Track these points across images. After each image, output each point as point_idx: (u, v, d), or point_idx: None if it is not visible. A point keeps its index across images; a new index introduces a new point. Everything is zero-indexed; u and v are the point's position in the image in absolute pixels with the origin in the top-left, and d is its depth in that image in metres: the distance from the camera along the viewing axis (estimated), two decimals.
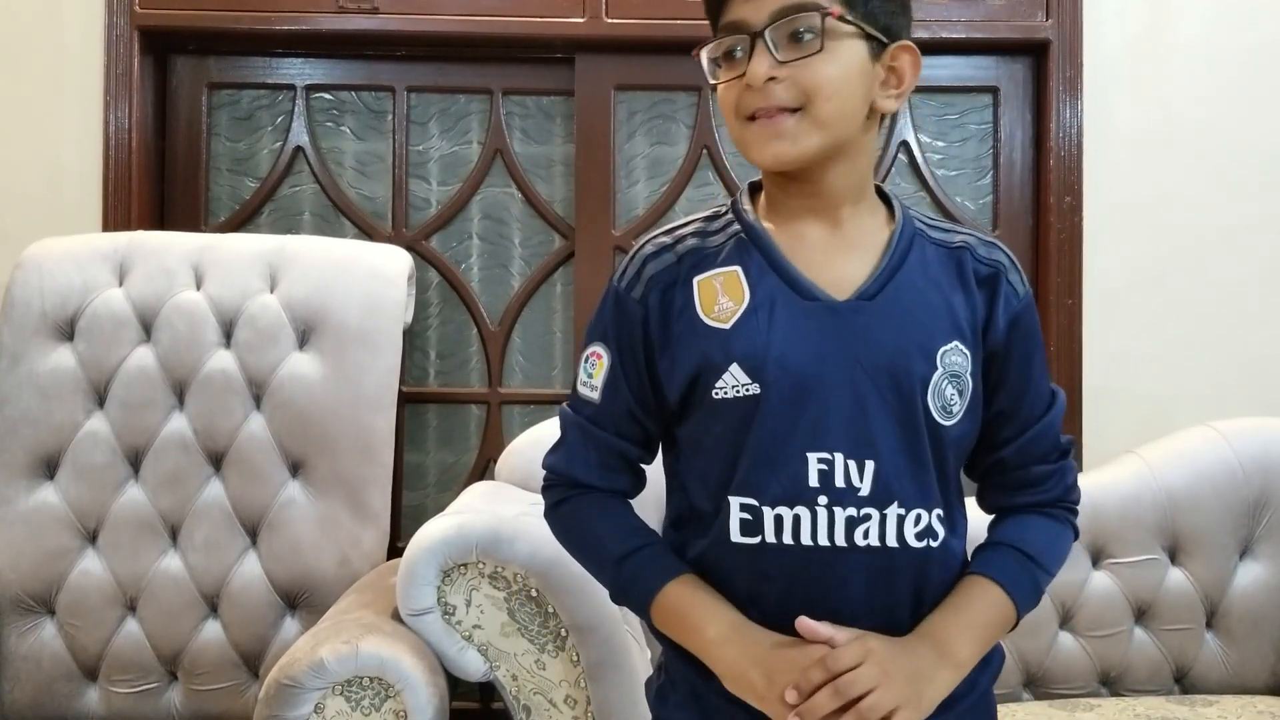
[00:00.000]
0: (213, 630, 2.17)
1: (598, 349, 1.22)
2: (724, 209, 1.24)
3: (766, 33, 1.09)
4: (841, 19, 1.09)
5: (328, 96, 2.71)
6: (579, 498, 1.26)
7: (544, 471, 1.30)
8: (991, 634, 1.16)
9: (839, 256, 1.16)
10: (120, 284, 2.27)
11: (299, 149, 2.68)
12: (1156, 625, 2.24)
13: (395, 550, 2.21)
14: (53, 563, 2.17)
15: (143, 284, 2.26)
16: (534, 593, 1.77)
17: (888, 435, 1.11)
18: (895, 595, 1.13)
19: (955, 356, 1.13)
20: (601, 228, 2.63)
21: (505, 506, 1.88)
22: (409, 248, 2.51)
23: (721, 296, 1.14)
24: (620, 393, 1.21)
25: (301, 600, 2.17)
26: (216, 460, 2.22)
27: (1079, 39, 2.57)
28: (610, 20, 2.57)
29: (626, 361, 1.20)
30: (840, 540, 1.11)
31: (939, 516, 1.14)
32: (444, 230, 2.69)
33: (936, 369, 1.12)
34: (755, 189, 1.25)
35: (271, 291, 2.27)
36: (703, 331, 1.14)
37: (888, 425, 1.11)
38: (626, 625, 1.79)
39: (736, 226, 1.20)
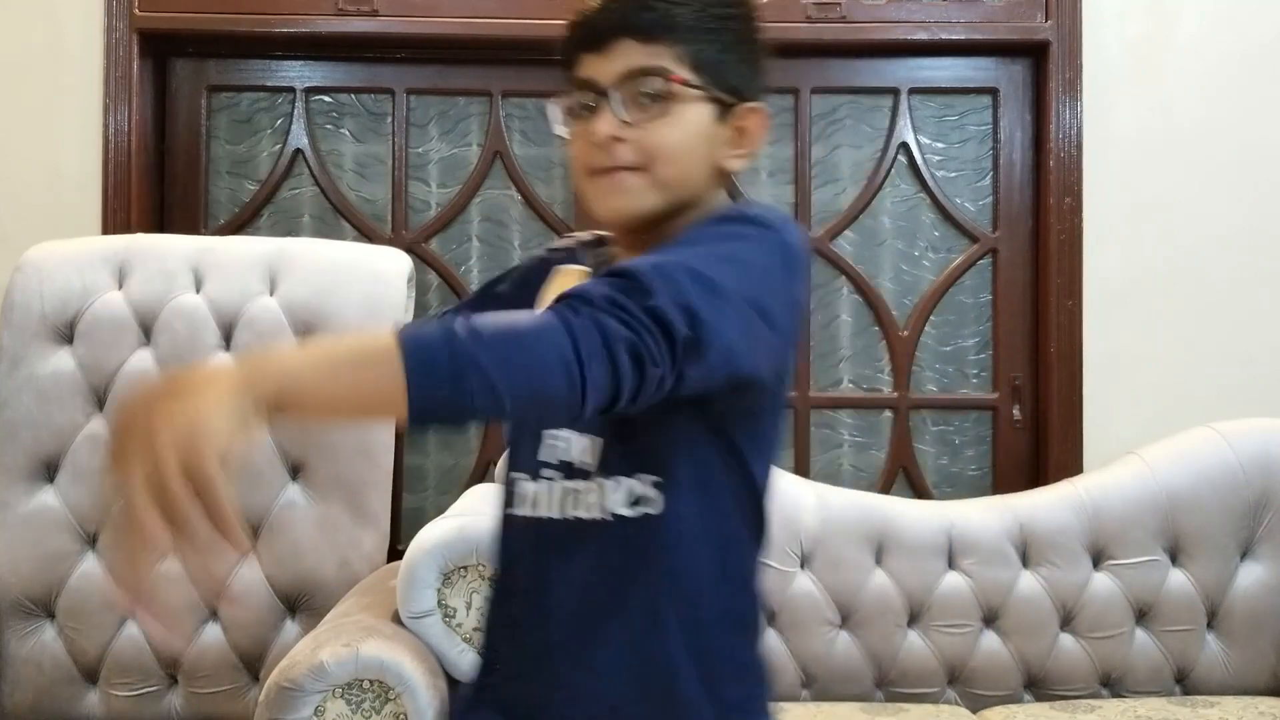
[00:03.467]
0: (213, 633, 2.17)
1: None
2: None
3: (612, 93, 1.10)
4: (686, 83, 1.10)
5: (327, 99, 2.71)
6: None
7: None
8: (343, 372, 0.86)
9: None
10: (120, 287, 2.27)
11: (299, 151, 2.68)
12: (1157, 626, 2.23)
13: (395, 553, 2.20)
14: (53, 566, 2.16)
15: (142, 287, 2.26)
16: None
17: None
18: (623, 569, 1.09)
19: None
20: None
21: None
22: (409, 250, 2.51)
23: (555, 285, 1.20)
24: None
25: (302, 603, 2.17)
26: None
27: (1078, 40, 2.57)
28: None
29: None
30: (561, 512, 1.11)
31: (655, 484, 1.08)
32: (444, 232, 2.68)
33: None
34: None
35: (271, 294, 2.27)
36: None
37: None
38: None
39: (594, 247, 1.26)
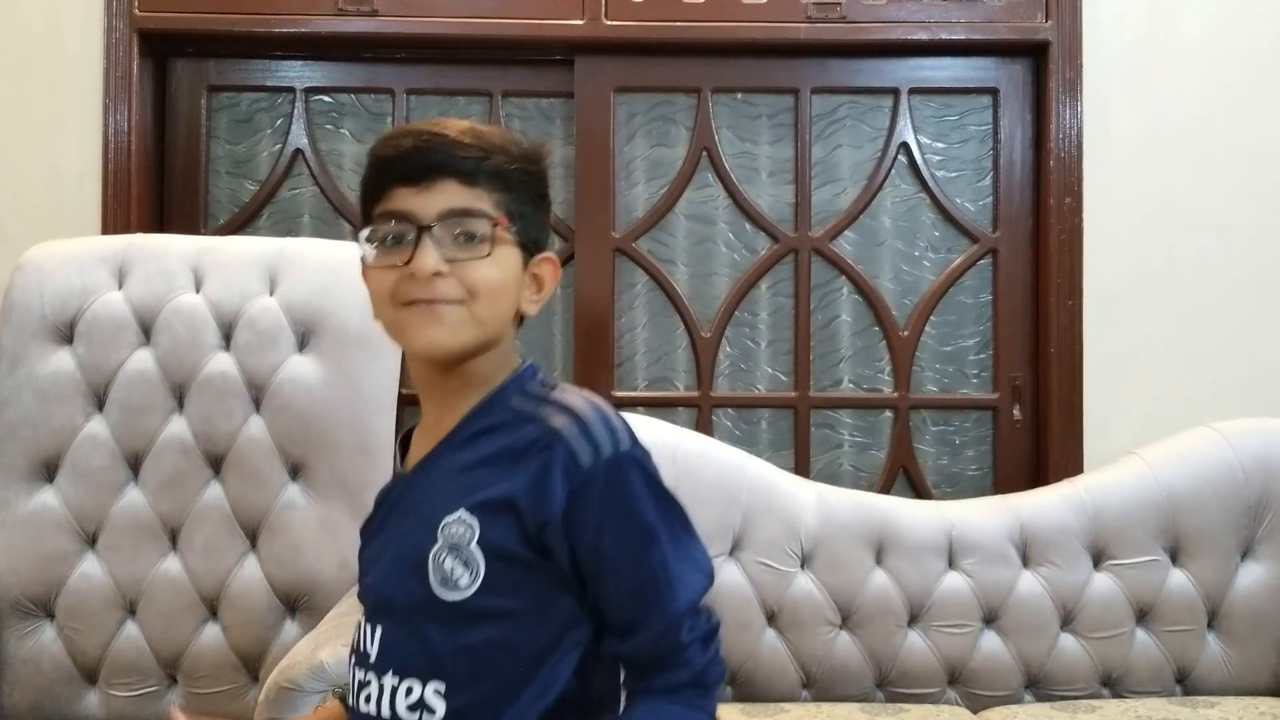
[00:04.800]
0: (212, 633, 2.17)
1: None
2: None
3: (435, 228, 1.12)
4: (505, 229, 1.15)
5: (327, 99, 2.71)
6: None
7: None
8: None
9: (433, 439, 1.20)
10: (120, 287, 2.26)
11: (298, 151, 2.68)
12: (1158, 626, 2.23)
13: None
14: (52, 566, 2.16)
15: (142, 287, 2.26)
16: None
17: (399, 603, 1.15)
18: None
19: (457, 528, 1.12)
20: (601, 229, 2.63)
21: None
22: None
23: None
24: None
25: (301, 603, 2.17)
26: (216, 463, 2.21)
27: (1078, 40, 2.57)
28: (610, 22, 2.57)
29: None
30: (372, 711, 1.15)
31: (437, 691, 1.11)
32: None
33: (436, 540, 1.12)
34: None
35: (271, 294, 2.27)
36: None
37: (400, 593, 1.15)
38: None
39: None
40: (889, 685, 2.22)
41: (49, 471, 2.20)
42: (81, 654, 2.16)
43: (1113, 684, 2.23)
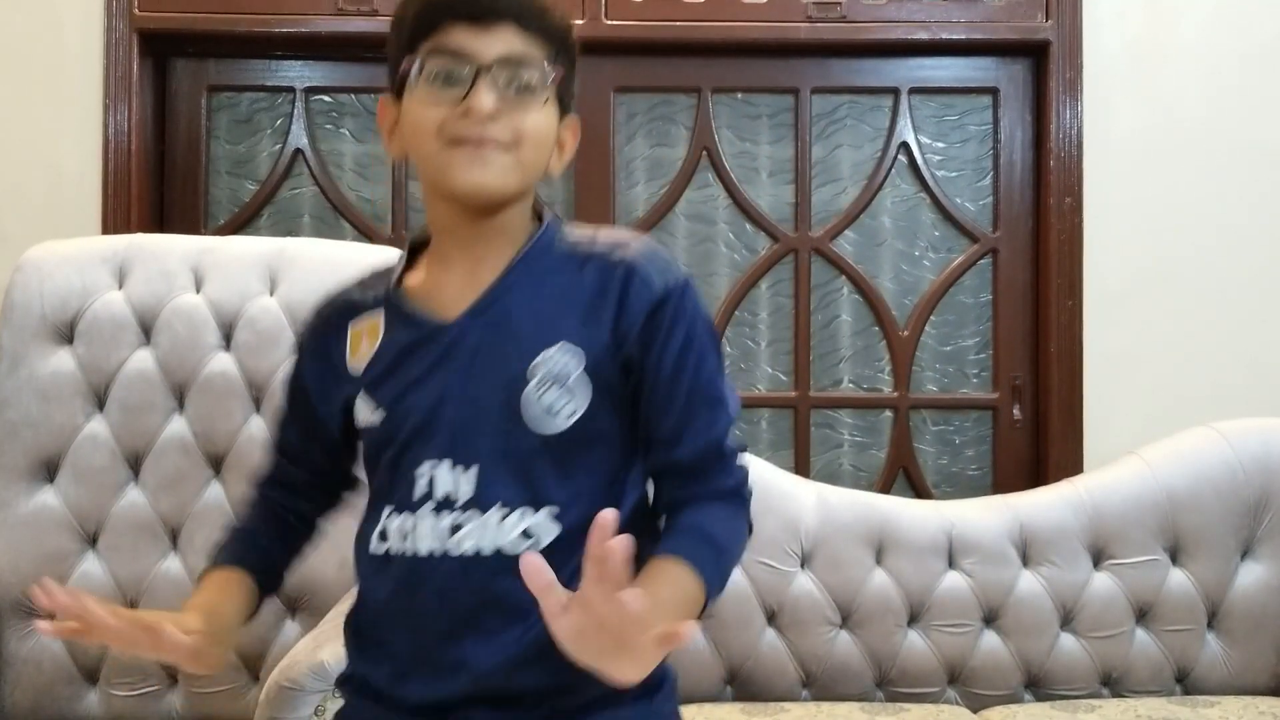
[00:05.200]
0: None
1: (281, 403, 1.42)
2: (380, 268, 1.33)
3: (496, 70, 1.13)
4: (554, 82, 1.18)
5: (327, 99, 2.71)
6: None
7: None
8: (683, 615, 1.08)
9: (468, 286, 1.21)
10: (120, 287, 2.26)
11: (298, 151, 2.68)
12: (1158, 626, 2.23)
13: None
14: (53, 565, 2.16)
15: (142, 287, 2.26)
16: None
17: (494, 444, 1.16)
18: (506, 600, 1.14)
19: (558, 362, 1.16)
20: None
21: None
22: None
23: (362, 344, 1.25)
24: (280, 425, 1.40)
25: (302, 603, 2.17)
26: (217, 463, 2.21)
27: (1079, 40, 2.57)
28: (610, 22, 2.57)
29: (287, 404, 1.38)
30: (439, 547, 1.16)
31: (550, 515, 1.16)
32: None
33: (529, 379, 1.16)
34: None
35: (271, 294, 2.27)
36: (345, 377, 1.25)
37: (489, 434, 1.16)
38: None
39: (382, 280, 1.29)
40: (889, 685, 2.22)
41: (49, 471, 2.20)
42: (82, 653, 2.15)
43: (1112, 684, 2.23)
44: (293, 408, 1.35)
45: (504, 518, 1.14)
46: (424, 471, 1.17)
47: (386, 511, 1.21)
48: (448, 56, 1.14)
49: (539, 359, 1.15)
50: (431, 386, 1.18)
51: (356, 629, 1.29)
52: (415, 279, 1.26)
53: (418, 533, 1.17)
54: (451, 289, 1.21)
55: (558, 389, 1.16)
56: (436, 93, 1.15)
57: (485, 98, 1.12)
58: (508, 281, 1.20)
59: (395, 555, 1.20)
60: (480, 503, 1.15)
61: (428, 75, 1.15)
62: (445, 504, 1.16)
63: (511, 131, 1.14)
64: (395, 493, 1.20)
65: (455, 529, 1.15)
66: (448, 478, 1.16)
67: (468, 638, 1.14)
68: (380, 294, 1.27)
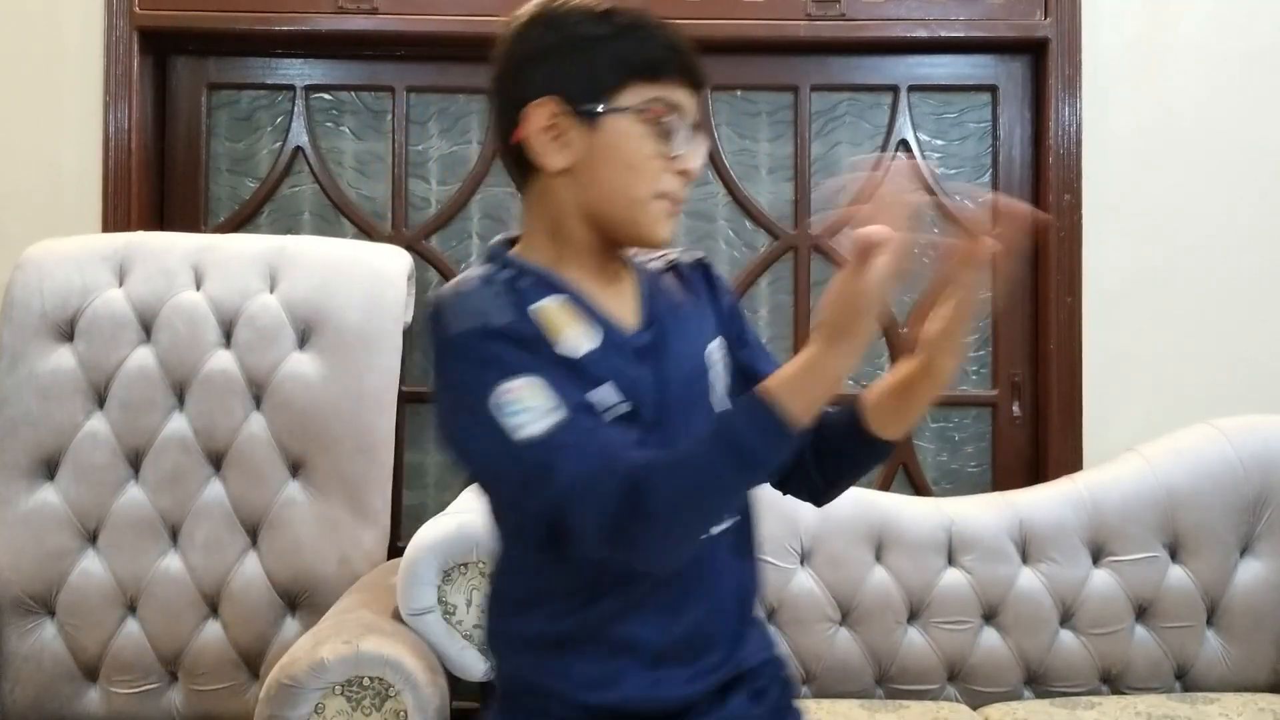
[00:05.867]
0: (213, 630, 2.17)
1: (505, 385, 1.08)
2: (489, 269, 1.20)
3: (698, 134, 1.19)
4: None
5: (327, 97, 2.71)
6: (650, 463, 1.09)
7: (572, 495, 1.08)
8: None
9: (614, 302, 1.23)
10: (120, 284, 2.27)
11: (299, 149, 2.68)
12: (1157, 623, 2.24)
13: (396, 550, 2.21)
14: (53, 563, 2.17)
15: (143, 284, 2.26)
16: None
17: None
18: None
19: (717, 353, 1.27)
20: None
21: None
22: (409, 247, 2.51)
23: (567, 328, 1.16)
24: (566, 390, 1.10)
25: (302, 600, 2.17)
26: (217, 460, 2.22)
27: (1078, 38, 2.57)
28: None
29: (549, 372, 1.12)
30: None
31: None
32: (444, 230, 2.69)
33: (709, 370, 1.25)
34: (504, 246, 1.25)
35: (271, 291, 2.27)
36: (555, 359, 1.13)
37: (702, 422, 1.17)
38: None
39: (527, 276, 1.18)
40: (889, 682, 2.22)
41: (50, 469, 2.20)
42: (82, 651, 2.16)
43: (1112, 680, 2.23)
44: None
45: None
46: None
47: None
48: (674, 112, 1.17)
49: (706, 351, 1.24)
50: (651, 381, 1.19)
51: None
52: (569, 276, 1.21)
53: None
54: (610, 304, 1.21)
55: (723, 375, 1.26)
56: (652, 140, 1.16)
57: (698, 160, 1.18)
58: (653, 294, 1.25)
59: None
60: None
61: (649, 119, 1.16)
62: None
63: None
64: None
65: None
66: None
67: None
68: (534, 283, 1.17)
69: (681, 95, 1.17)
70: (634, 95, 1.15)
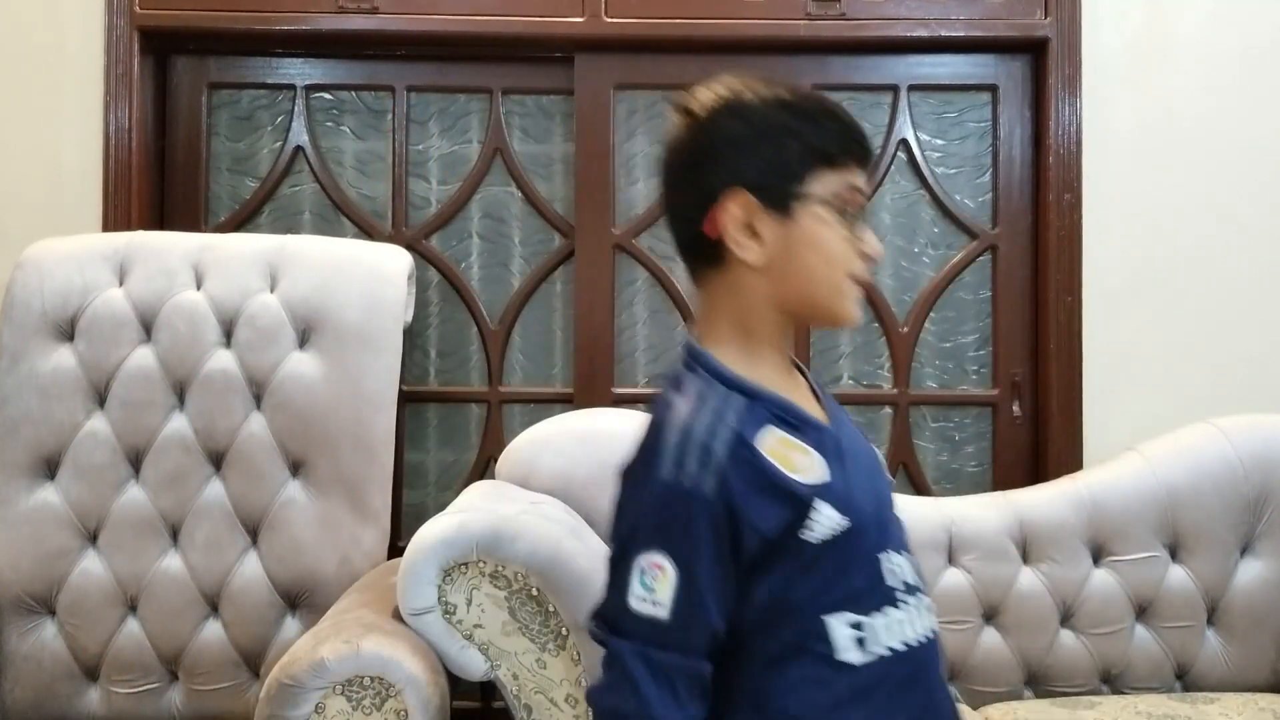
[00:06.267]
0: (213, 630, 2.17)
1: (659, 559, 1.09)
2: (704, 391, 1.16)
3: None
4: None
5: (328, 96, 2.71)
6: None
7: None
8: None
9: (802, 396, 1.23)
10: (120, 284, 2.27)
11: (299, 149, 2.68)
12: (1157, 622, 2.23)
13: (396, 549, 2.21)
14: (53, 563, 2.17)
15: (143, 284, 2.26)
16: (534, 592, 1.77)
17: (904, 534, 1.24)
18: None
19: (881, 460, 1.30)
20: (601, 226, 2.63)
21: (506, 505, 1.88)
22: (409, 247, 2.51)
23: (792, 453, 1.14)
24: (702, 608, 1.09)
25: (302, 600, 2.17)
26: (217, 460, 2.22)
27: (1078, 37, 2.57)
28: (610, 20, 2.57)
29: (715, 573, 1.09)
30: (926, 633, 1.18)
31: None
32: (444, 229, 2.69)
33: (887, 475, 1.28)
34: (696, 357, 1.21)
35: (272, 291, 2.27)
36: (785, 486, 1.12)
37: (897, 520, 1.24)
38: None
39: (735, 398, 1.15)
40: None
41: (50, 468, 2.20)
42: (82, 651, 2.16)
43: (1112, 680, 2.23)
44: (716, 580, 1.10)
45: (928, 605, 1.21)
46: (895, 562, 1.18)
47: (848, 620, 1.13)
48: (858, 195, 1.19)
49: (879, 456, 1.27)
50: (860, 483, 1.17)
51: None
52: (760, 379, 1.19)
53: (913, 622, 1.17)
54: (792, 393, 1.20)
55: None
56: (838, 226, 1.17)
57: (877, 244, 1.20)
58: (811, 381, 1.26)
59: (892, 653, 1.14)
60: (921, 583, 1.21)
61: (836, 205, 1.17)
62: (909, 589, 1.18)
63: None
64: (859, 595, 1.14)
65: (904, 617, 1.17)
66: (903, 562, 1.19)
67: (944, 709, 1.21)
68: (747, 407, 1.14)
69: (860, 176, 1.19)
70: (822, 183, 1.16)
